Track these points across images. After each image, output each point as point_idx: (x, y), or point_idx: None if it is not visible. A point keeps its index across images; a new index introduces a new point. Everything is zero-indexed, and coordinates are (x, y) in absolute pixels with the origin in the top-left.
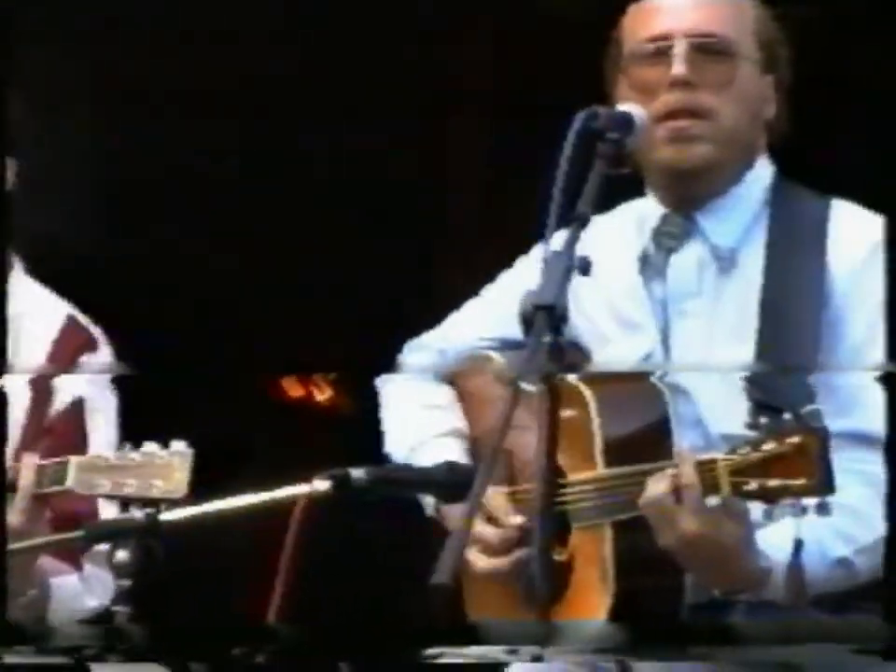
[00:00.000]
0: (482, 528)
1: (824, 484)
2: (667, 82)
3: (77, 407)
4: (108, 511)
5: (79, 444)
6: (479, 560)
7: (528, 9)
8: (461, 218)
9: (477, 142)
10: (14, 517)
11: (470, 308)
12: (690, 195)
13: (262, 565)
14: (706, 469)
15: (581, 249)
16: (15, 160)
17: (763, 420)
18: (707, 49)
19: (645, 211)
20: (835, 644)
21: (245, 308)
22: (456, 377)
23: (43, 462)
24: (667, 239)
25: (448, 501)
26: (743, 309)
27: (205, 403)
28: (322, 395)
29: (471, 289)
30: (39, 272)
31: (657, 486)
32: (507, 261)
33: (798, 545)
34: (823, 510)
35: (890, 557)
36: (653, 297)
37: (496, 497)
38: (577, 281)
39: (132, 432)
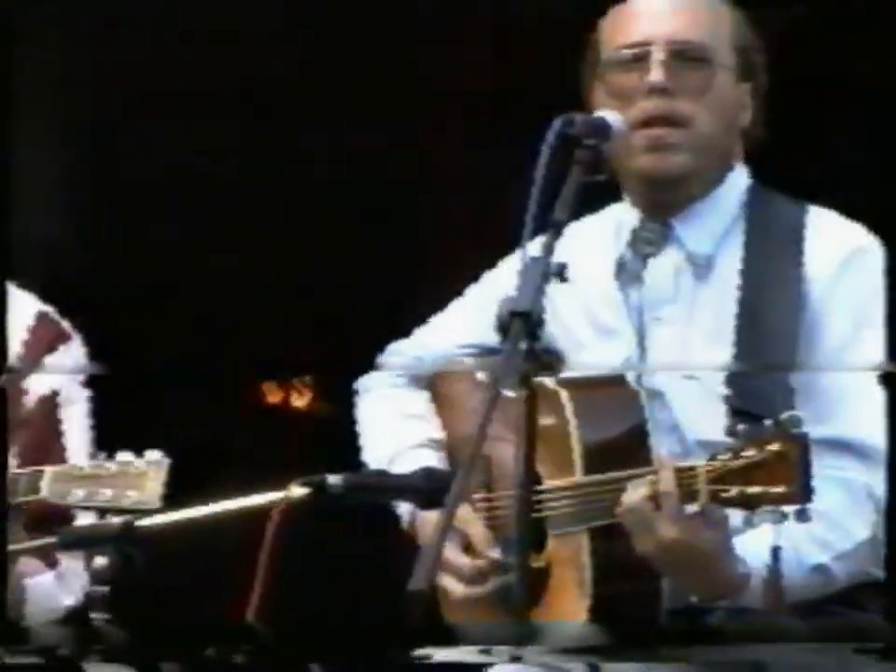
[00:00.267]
0: (459, 558)
1: (804, 492)
2: (645, 89)
3: (51, 399)
4: (85, 518)
5: (54, 436)
6: (456, 588)
7: (524, 10)
8: (441, 223)
9: (461, 145)
10: None
11: (446, 315)
12: (666, 202)
13: (239, 570)
14: (685, 476)
15: (557, 255)
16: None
17: (742, 427)
18: (685, 56)
19: (622, 217)
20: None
21: (225, 311)
22: (433, 384)
23: (17, 471)
24: (644, 245)
25: (425, 507)
26: (719, 315)
27: (182, 407)
28: (301, 400)
29: (450, 295)
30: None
31: (636, 493)
32: (487, 267)
33: (775, 552)
34: (803, 516)
35: (891, 557)
36: (630, 303)
37: (474, 524)
38: (554, 287)
39: (108, 437)
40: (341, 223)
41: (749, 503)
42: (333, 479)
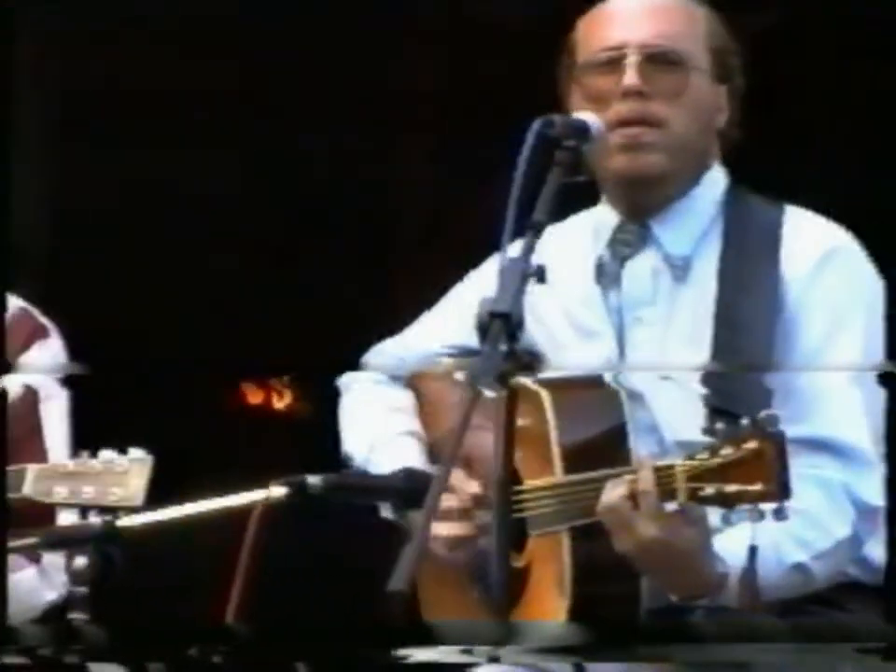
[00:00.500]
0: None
1: (781, 489)
2: (620, 92)
3: (31, 396)
4: (69, 517)
5: (34, 433)
6: (439, 528)
7: (485, 17)
8: (418, 226)
9: (434, 148)
10: None
11: (430, 316)
12: (643, 203)
13: (219, 570)
14: (663, 474)
15: (537, 257)
16: None
17: (719, 426)
18: (660, 59)
19: (600, 219)
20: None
21: (203, 312)
22: (414, 385)
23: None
24: (622, 247)
25: (405, 508)
26: (698, 316)
27: (163, 407)
28: (281, 400)
29: (432, 297)
30: None
31: (614, 492)
32: (467, 269)
33: (754, 550)
34: (780, 515)
35: (891, 557)
36: (609, 304)
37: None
38: (534, 288)
39: (88, 436)
40: (320, 226)
41: (726, 501)
42: (313, 479)
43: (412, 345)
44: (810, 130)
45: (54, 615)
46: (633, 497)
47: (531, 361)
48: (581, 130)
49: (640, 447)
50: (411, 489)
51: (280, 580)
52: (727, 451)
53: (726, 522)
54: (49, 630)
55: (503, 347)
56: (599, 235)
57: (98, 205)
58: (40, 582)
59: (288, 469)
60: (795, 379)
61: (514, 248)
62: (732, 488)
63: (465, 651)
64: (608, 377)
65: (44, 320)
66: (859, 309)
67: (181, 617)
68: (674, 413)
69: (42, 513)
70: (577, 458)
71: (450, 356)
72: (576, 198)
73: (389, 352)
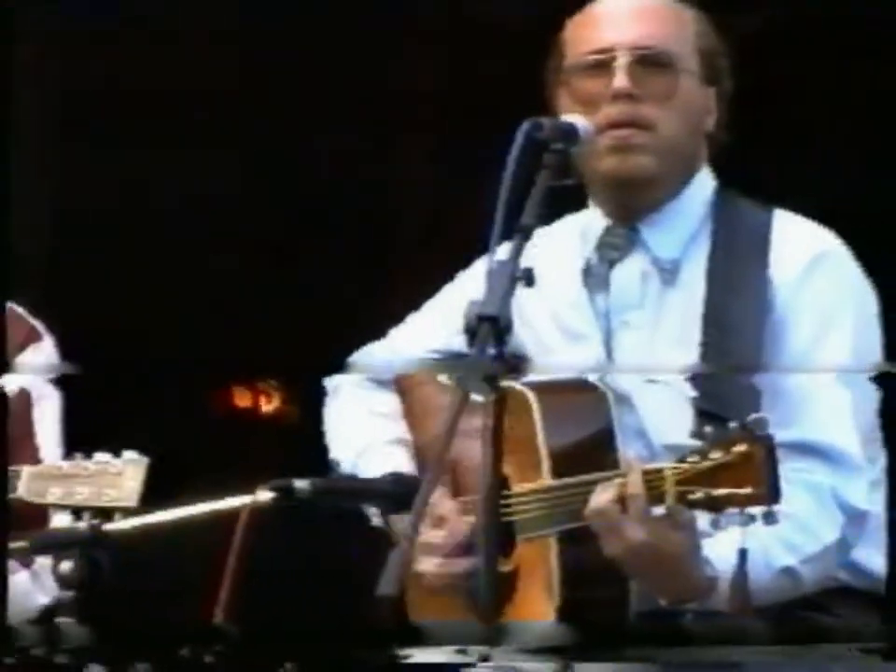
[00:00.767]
0: (432, 534)
1: (771, 493)
2: (610, 95)
3: (24, 398)
4: (62, 520)
5: (27, 435)
6: (429, 564)
7: (481, 19)
8: (412, 228)
9: (434, 148)
10: None
11: (416, 319)
12: (632, 206)
13: (207, 574)
14: (652, 478)
15: (525, 260)
16: None
17: (708, 429)
18: (649, 61)
19: (588, 222)
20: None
21: (201, 313)
22: (402, 389)
23: None
24: (610, 250)
25: (393, 512)
26: (686, 320)
27: (151, 411)
28: (269, 404)
29: (420, 299)
30: None
31: (603, 496)
32: (454, 271)
33: (743, 554)
34: (770, 518)
35: (891, 557)
36: (597, 308)
37: (444, 501)
38: (521, 292)
39: (79, 439)
40: (320, 226)
41: (715, 505)
42: (300, 483)
43: (398, 348)
44: (798, 132)
45: (47, 619)
46: (621, 500)
47: (519, 365)
48: (570, 133)
49: (628, 451)
50: (399, 493)
51: (267, 583)
52: (716, 454)
53: (715, 526)
54: (39, 631)
55: (491, 350)
56: (587, 238)
57: (95, 206)
58: (32, 586)
59: (276, 473)
60: (784, 382)
61: (502, 251)
62: (721, 492)
63: (460, 652)
64: (595, 380)
65: (35, 322)
66: (847, 312)
67: (169, 621)
68: (662, 416)
69: (36, 515)
70: (565, 462)
71: (437, 358)
72: (565, 201)
73: (376, 354)
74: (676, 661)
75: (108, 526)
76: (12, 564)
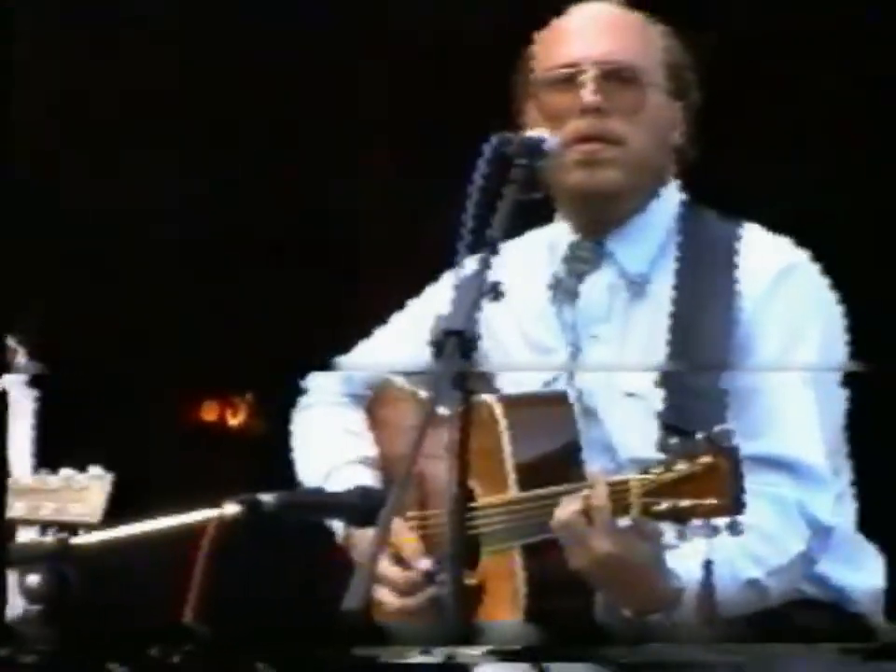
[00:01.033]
0: (390, 569)
1: (735, 504)
2: (577, 109)
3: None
4: (27, 534)
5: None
6: (388, 599)
7: (438, 37)
8: (379, 242)
9: (396, 165)
10: None
11: (381, 334)
12: (600, 219)
13: (173, 588)
14: (617, 489)
15: (492, 274)
16: None
17: (673, 441)
18: (617, 76)
19: (556, 236)
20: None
21: (160, 329)
22: (370, 404)
23: None
24: (579, 264)
25: (360, 525)
26: (654, 333)
27: (118, 425)
28: (236, 417)
29: (388, 313)
30: None
31: (568, 508)
32: (422, 285)
33: (708, 566)
34: (735, 529)
35: (888, 558)
36: (564, 322)
37: (406, 538)
38: (489, 305)
39: (45, 454)
40: (278, 244)
41: (680, 516)
42: (267, 497)
43: (363, 362)
44: (765, 143)
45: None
46: (587, 512)
47: (485, 379)
48: (537, 147)
49: (595, 465)
50: (365, 507)
51: (235, 596)
52: (681, 466)
53: (681, 537)
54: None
55: (457, 364)
56: (555, 252)
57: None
58: None
59: (242, 486)
60: (751, 395)
61: (469, 265)
62: (686, 503)
63: (425, 652)
64: (562, 393)
65: (9, 340)
66: (815, 325)
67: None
68: (630, 431)
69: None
70: (530, 475)
71: (402, 372)
72: (533, 214)
73: (344, 366)
74: (647, 661)
75: (76, 541)
76: None
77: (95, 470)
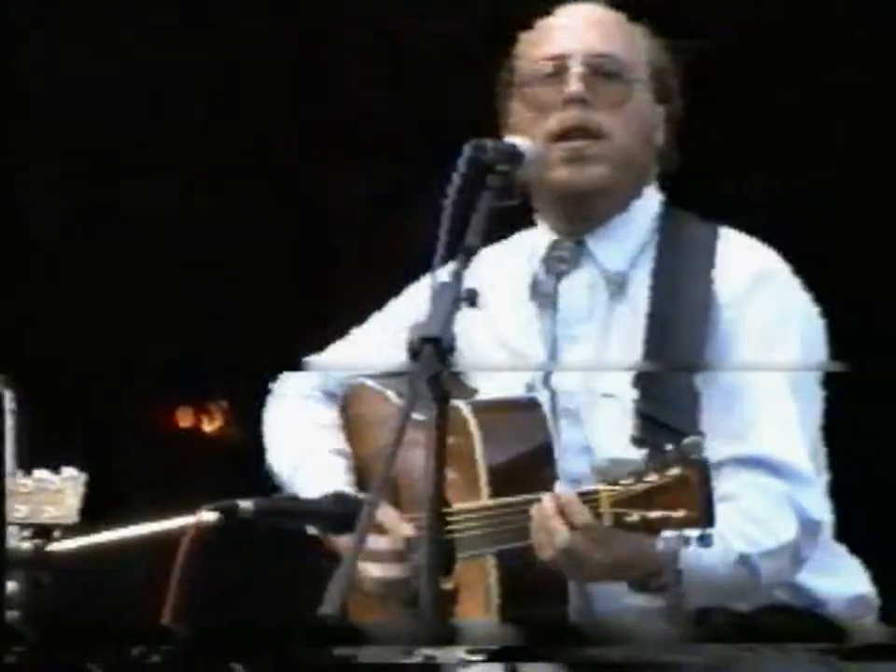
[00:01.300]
0: (373, 541)
1: (705, 516)
2: (562, 101)
3: None
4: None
5: None
6: (373, 569)
7: (406, 47)
8: (353, 248)
9: (372, 171)
10: None
11: (357, 336)
12: (583, 217)
13: (149, 595)
14: (588, 500)
15: (471, 280)
16: None
17: (644, 451)
18: (602, 69)
19: (535, 241)
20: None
21: (137, 334)
22: (345, 405)
23: None
24: (558, 264)
25: (336, 532)
26: (632, 333)
27: (95, 431)
28: (212, 424)
29: (360, 318)
30: None
31: (544, 511)
32: (396, 290)
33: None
34: (705, 541)
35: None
36: (543, 323)
37: (386, 511)
38: (468, 312)
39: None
40: (251, 249)
41: (651, 527)
42: (244, 504)
43: (338, 362)
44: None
45: None
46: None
47: (461, 385)
48: (513, 154)
49: (573, 467)
50: (341, 513)
51: (212, 602)
52: (651, 477)
53: (652, 549)
54: None
55: (433, 371)
56: (534, 254)
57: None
58: None
59: (218, 492)
60: (732, 397)
61: (446, 272)
62: (656, 514)
63: (405, 652)
64: (535, 398)
65: None
66: (793, 329)
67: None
68: (608, 431)
69: None
70: (503, 481)
71: (377, 376)
72: (511, 220)
73: (316, 367)
74: (621, 661)
75: (51, 547)
76: None
77: (69, 472)
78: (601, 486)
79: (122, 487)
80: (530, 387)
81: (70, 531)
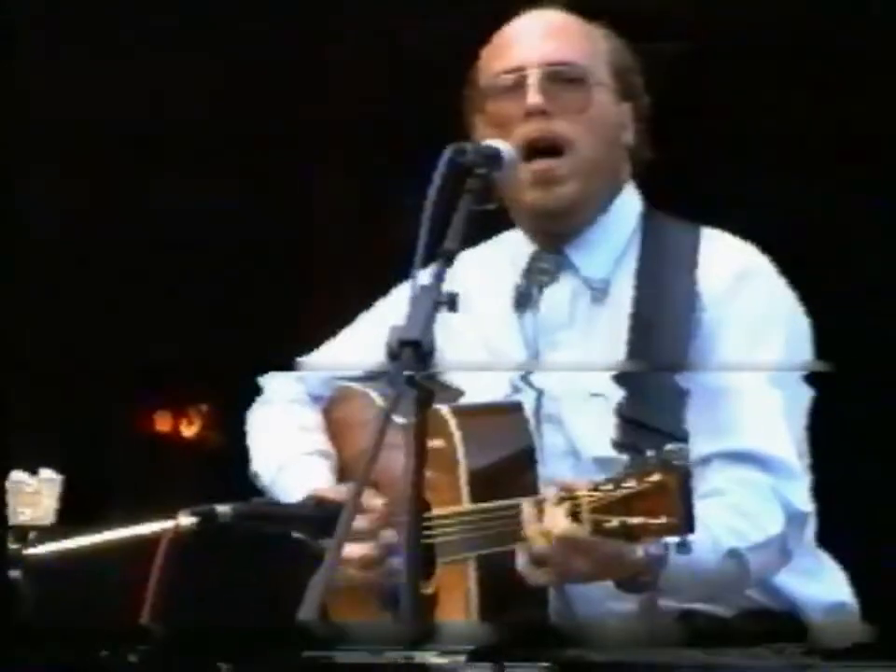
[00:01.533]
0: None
1: (684, 523)
2: (522, 113)
3: None
4: None
5: None
6: (352, 549)
7: (391, 54)
8: (334, 252)
9: (352, 174)
10: None
11: (339, 340)
12: (558, 232)
13: (127, 599)
14: (568, 505)
15: (453, 283)
16: None
17: (625, 457)
18: (560, 77)
19: (516, 246)
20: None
21: (119, 336)
22: (327, 409)
23: None
24: (539, 275)
25: (315, 537)
26: (615, 338)
27: (73, 433)
28: (191, 428)
29: (342, 321)
30: None
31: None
32: (377, 295)
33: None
34: (684, 548)
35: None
36: (525, 329)
37: (368, 500)
38: (447, 316)
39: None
40: (234, 251)
41: (631, 534)
42: (222, 508)
43: (323, 363)
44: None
45: None
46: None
47: (441, 388)
48: (493, 157)
49: (557, 470)
50: (320, 517)
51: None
52: (630, 483)
53: (633, 555)
54: None
55: (413, 374)
56: (516, 262)
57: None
58: None
59: (197, 496)
60: (716, 395)
61: (426, 275)
62: (635, 521)
63: (379, 652)
64: (516, 402)
65: None
66: (776, 326)
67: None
68: (592, 431)
69: None
70: (484, 486)
71: (357, 379)
72: (491, 221)
73: (302, 368)
74: (603, 662)
75: (28, 551)
76: None
77: (46, 473)
78: (581, 492)
79: (100, 490)
80: (515, 390)
81: (46, 533)
